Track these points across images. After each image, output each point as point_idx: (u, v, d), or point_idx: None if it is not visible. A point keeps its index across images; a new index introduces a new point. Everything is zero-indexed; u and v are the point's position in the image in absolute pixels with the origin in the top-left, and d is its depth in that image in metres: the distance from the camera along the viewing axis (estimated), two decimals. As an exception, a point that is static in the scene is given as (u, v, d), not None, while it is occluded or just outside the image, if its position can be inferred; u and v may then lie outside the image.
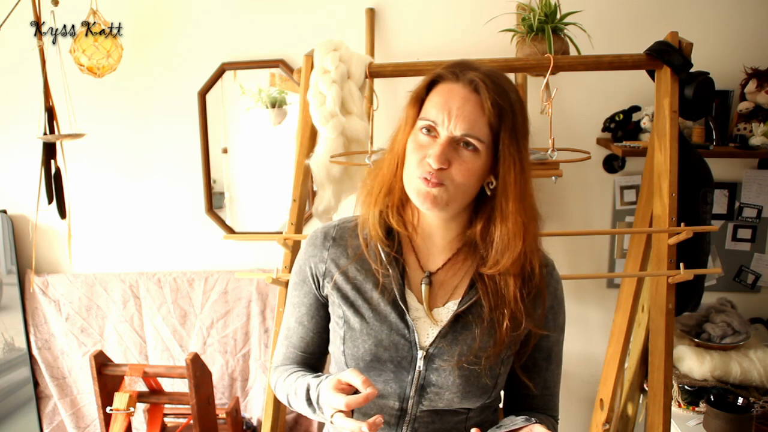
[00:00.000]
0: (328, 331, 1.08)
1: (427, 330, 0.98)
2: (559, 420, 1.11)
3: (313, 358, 1.11)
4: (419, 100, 0.97)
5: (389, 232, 1.01)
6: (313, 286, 1.06)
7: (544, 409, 1.08)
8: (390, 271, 0.99)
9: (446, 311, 1.00)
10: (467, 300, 0.98)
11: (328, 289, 1.03)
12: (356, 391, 0.87)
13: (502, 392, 1.12)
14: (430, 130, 0.93)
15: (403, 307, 0.98)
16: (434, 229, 1.01)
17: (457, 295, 1.01)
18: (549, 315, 1.03)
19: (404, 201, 1.00)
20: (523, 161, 0.93)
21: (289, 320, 1.11)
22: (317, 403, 0.95)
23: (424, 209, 0.95)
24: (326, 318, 1.07)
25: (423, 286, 1.00)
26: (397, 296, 0.98)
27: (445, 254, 1.02)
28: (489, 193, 0.96)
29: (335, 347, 1.03)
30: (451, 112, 0.91)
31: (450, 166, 0.91)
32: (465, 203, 0.96)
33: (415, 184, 0.93)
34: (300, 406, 1.01)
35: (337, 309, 1.02)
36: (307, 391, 0.98)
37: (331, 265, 1.03)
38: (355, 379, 0.86)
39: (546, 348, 1.05)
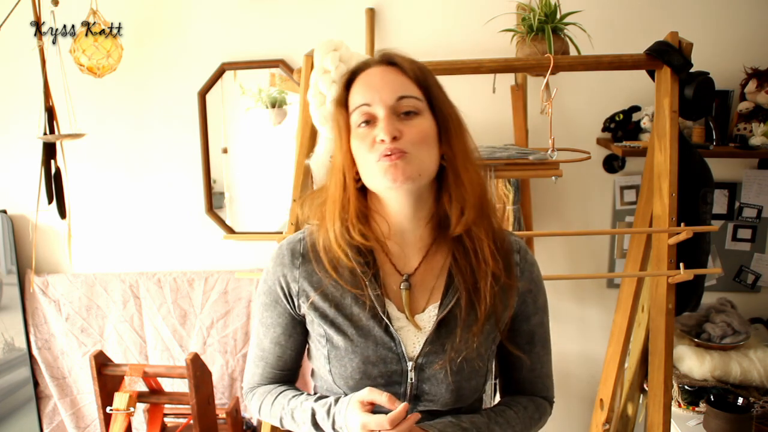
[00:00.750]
0: (305, 345, 1.07)
1: (412, 339, 0.97)
2: (553, 401, 1.11)
3: (291, 374, 1.10)
4: (342, 102, 0.97)
5: (359, 245, 0.97)
6: (288, 306, 1.02)
7: (532, 391, 1.08)
8: (366, 282, 0.96)
9: (428, 316, 0.98)
10: (447, 302, 0.97)
11: (304, 309, 1.00)
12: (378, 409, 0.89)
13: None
14: (368, 120, 0.92)
15: (386, 319, 0.96)
16: (406, 226, 0.98)
17: (436, 297, 0.99)
18: (528, 298, 1.03)
19: (365, 213, 0.97)
20: (458, 116, 0.96)
21: (262, 341, 1.06)
22: (332, 426, 0.94)
23: (396, 186, 0.90)
24: (303, 333, 1.05)
25: (403, 291, 0.98)
26: (378, 308, 0.96)
27: (420, 253, 1.00)
28: (445, 164, 0.96)
29: (320, 366, 1.01)
30: (376, 87, 0.92)
31: (402, 135, 0.90)
32: (431, 174, 0.94)
33: (377, 168, 0.90)
34: (299, 428, 1.00)
35: (317, 328, 0.99)
36: (313, 415, 0.97)
37: (305, 283, 0.99)
38: (379, 397, 0.87)
39: (527, 332, 1.04)
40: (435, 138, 0.93)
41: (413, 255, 1.00)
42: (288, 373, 1.09)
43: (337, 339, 0.97)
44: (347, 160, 0.95)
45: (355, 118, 0.93)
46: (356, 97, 0.94)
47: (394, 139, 0.89)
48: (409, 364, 0.95)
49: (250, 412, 2.35)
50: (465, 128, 0.97)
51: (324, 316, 0.98)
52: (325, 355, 0.98)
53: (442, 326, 0.96)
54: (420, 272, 1.00)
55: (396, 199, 0.95)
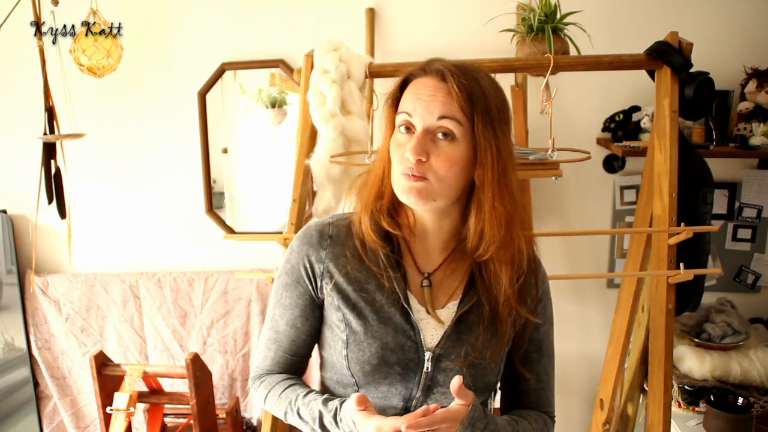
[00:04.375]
0: (319, 333, 1.06)
1: (431, 331, 0.98)
2: (555, 417, 1.11)
3: (303, 362, 1.10)
4: (394, 100, 0.98)
5: (386, 234, 1.00)
6: (309, 286, 1.02)
7: (537, 404, 1.08)
8: (390, 271, 0.98)
9: (448, 312, 0.99)
10: (468, 300, 0.99)
11: (326, 290, 1.01)
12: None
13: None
14: (408, 127, 0.93)
15: (407, 307, 0.97)
16: (429, 229, 1.00)
17: (457, 295, 1.01)
18: (539, 307, 1.04)
19: (397, 204, 1.00)
20: (500, 147, 0.92)
21: (278, 323, 1.06)
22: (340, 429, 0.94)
23: (411, 204, 0.94)
24: (320, 320, 1.05)
25: (424, 289, 1.00)
26: (400, 296, 0.98)
27: (442, 254, 1.02)
28: (479, 184, 0.96)
29: (334, 351, 1.01)
30: (422, 101, 0.92)
31: (429, 158, 0.91)
32: (453, 197, 0.95)
33: (399, 181, 0.94)
34: (305, 426, 1.00)
35: (336, 312, 1.00)
36: (320, 418, 0.97)
37: (330, 264, 1.00)
38: (361, 397, 0.89)
39: (537, 340, 1.06)
40: (467, 163, 0.93)
41: (435, 255, 1.02)
42: (299, 360, 1.09)
43: (357, 323, 0.98)
44: (387, 154, 0.97)
45: (398, 121, 0.95)
46: (404, 102, 0.95)
47: (419, 161, 0.90)
48: (427, 355, 0.97)
49: (251, 411, 2.36)
50: (507, 162, 0.94)
51: (346, 299, 0.99)
52: (344, 339, 0.99)
53: (462, 322, 0.98)
54: (441, 272, 1.02)
55: (418, 211, 0.99)
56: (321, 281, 1.01)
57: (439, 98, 0.91)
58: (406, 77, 0.97)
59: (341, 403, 0.95)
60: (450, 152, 0.91)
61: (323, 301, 1.03)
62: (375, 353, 0.96)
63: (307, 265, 1.02)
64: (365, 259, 0.99)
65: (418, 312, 0.99)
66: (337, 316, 1.00)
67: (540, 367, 1.07)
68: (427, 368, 0.97)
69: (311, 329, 1.05)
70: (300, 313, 1.04)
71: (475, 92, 0.91)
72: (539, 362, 1.07)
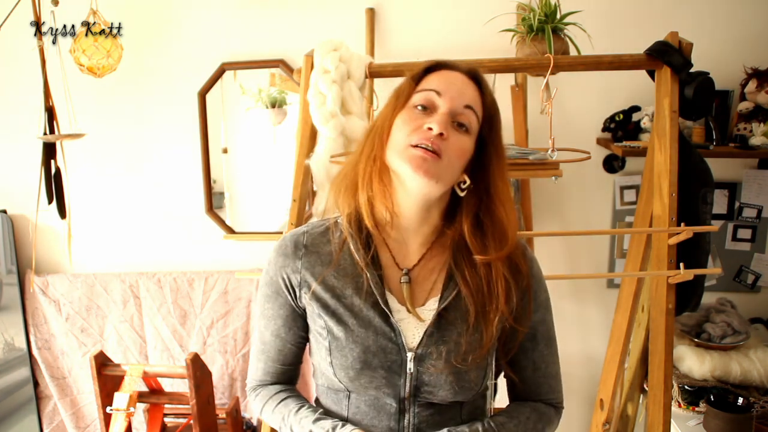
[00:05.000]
0: (305, 342, 1.07)
1: (412, 331, 0.97)
2: (560, 404, 1.10)
3: (292, 370, 1.10)
4: (416, 79, 0.99)
5: (362, 231, 0.99)
6: (289, 297, 1.03)
7: (538, 392, 1.07)
8: (368, 273, 0.98)
9: (428, 311, 0.99)
10: (447, 296, 0.98)
11: (305, 300, 1.01)
12: None
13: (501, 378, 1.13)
14: (426, 107, 0.94)
15: (386, 309, 0.97)
16: (409, 223, 0.99)
17: (436, 291, 1.00)
18: (527, 298, 1.03)
19: (384, 186, 0.97)
20: (503, 155, 1.00)
21: (264, 334, 1.07)
22: None
23: (416, 178, 0.91)
24: (304, 328, 1.05)
25: (403, 285, 0.99)
26: (379, 299, 0.97)
27: (420, 249, 1.01)
28: (460, 193, 0.97)
29: (320, 359, 1.01)
30: (455, 85, 0.95)
31: (447, 138, 0.92)
32: (447, 187, 0.95)
33: (407, 152, 0.91)
34: None
35: (317, 319, 1.00)
36: None
37: (306, 274, 1.00)
38: None
39: (530, 329, 1.04)
40: (466, 160, 0.96)
41: (414, 250, 1.02)
42: (290, 368, 1.09)
43: (338, 330, 0.97)
44: (388, 128, 0.96)
45: (417, 98, 0.96)
46: (432, 81, 0.97)
47: (441, 135, 0.91)
48: (409, 355, 0.96)
49: (251, 411, 2.36)
50: (506, 168, 1.00)
51: (325, 306, 0.99)
52: (326, 347, 0.99)
53: (442, 318, 0.97)
54: (419, 268, 1.01)
55: (406, 191, 0.96)
56: (299, 291, 1.01)
57: (470, 91, 0.96)
58: (434, 64, 1.00)
59: (333, 428, 0.96)
60: (462, 143, 0.94)
61: (305, 310, 1.03)
62: (357, 357, 0.96)
63: (285, 277, 1.02)
64: (346, 255, 0.99)
65: (399, 312, 0.98)
66: (319, 324, 1.00)
67: (536, 354, 1.05)
68: (410, 369, 0.96)
69: (296, 338, 1.06)
70: (283, 323, 1.05)
71: (495, 102, 0.99)
72: (535, 350, 1.05)
